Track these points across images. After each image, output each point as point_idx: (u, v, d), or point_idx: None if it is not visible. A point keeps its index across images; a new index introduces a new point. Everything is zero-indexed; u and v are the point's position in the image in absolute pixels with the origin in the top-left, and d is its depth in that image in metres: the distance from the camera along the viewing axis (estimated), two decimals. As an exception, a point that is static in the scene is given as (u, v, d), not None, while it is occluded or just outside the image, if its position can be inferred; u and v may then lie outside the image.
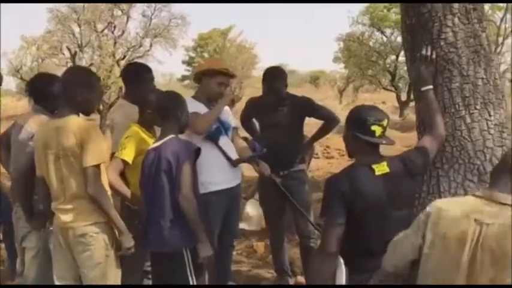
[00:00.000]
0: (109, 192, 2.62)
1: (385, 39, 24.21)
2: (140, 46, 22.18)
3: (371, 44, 24.60)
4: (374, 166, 2.20)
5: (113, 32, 21.22)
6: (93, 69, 17.76)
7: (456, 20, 2.52)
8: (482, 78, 2.50)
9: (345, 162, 11.30)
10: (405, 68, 24.55)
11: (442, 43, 2.53)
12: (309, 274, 2.31)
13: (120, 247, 2.58)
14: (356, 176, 2.19)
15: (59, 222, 2.54)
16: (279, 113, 3.61)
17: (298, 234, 3.83)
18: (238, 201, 3.57)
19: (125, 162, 2.85)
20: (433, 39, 2.54)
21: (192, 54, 33.33)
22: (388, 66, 24.46)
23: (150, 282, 3.25)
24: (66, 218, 2.51)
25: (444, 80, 2.53)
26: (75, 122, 2.50)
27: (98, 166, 2.48)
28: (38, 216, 2.83)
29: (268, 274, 4.26)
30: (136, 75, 3.33)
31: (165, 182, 2.60)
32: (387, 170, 2.21)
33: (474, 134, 2.46)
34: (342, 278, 2.15)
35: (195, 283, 2.66)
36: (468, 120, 2.47)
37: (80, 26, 19.69)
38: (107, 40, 20.85)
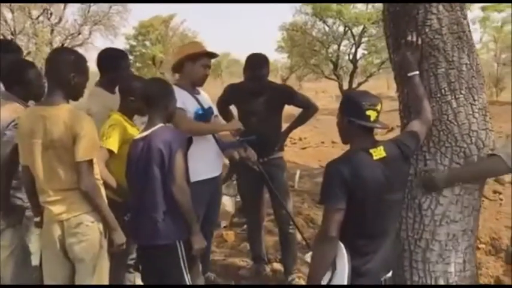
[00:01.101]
0: (100, 182, 2.50)
1: (327, 28, 24.67)
2: (79, 34, 21.40)
3: (314, 33, 24.99)
4: (371, 151, 2.23)
5: (49, 19, 20.28)
6: (30, 58, 16.86)
7: (440, 7, 2.59)
8: (466, 64, 2.59)
9: (297, 150, 11.51)
10: (346, 57, 25.35)
11: (427, 30, 2.59)
12: (311, 260, 2.28)
13: (112, 243, 2.47)
14: (355, 161, 2.21)
15: (51, 215, 2.39)
16: (259, 101, 3.58)
17: (277, 221, 3.84)
18: (220, 191, 3.52)
19: (110, 151, 2.72)
20: (418, 26, 2.60)
21: (133, 43, 32.37)
22: (330, 55, 24.96)
23: (132, 276, 3.15)
24: (58, 209, 2.37)
25: (430, 65, 2.60)
26: (66, 111, 2.34)
27: (90, 160, 2.36)
28: (13, 211, 2.66)
29: (242, 262, 4.24)
30: (113, 62, 3.17)
31: (157, 173, 2.50)
32: (384, 154, 2.24)
33: (460, 118, 2.55)
34: (343, 263, 2.17)
35: (188, 276, 2.60)
36: (454, 104, 2.56)
37: (12, 12, 18.60)
38: (42, 27, 19.90)
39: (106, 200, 2.46)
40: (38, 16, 19.65)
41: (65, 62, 2.38)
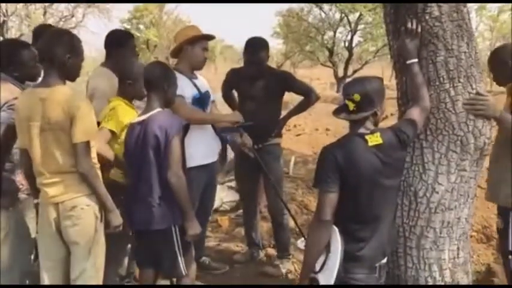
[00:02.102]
0: (97, 166, 2.48)
1: (323, 15, 24.55)
2: (72, 16, 21.18)
3: (310, 19, 24.87)
4: (367, 137, 2.23)
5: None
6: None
7: (441, -6, 2.57)
8: (465, 52, 2.57)
9: (292, 136, 11.46)
10: (342, 44, 25.25)
11: (427, 17, 2.57)
12: (305, 244, 2.30)
13: (108, 225, 2.47)
14: (349, 147, 2.22)
15: (47, 198, 2.38)
16: (258, 85, 3.56)
17: (270, 209, 3.85)
18: (216, 177, 3.51)
19: (112, 132, 2.73)
20: (418, 13, 2.58)
21: (128, 26, 32.05)
22: (326, 42, 24.86)
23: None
24: (54, 191, 2.36)
25: (429, 53, 2.58)
26: (63, 92, 2.32)
27: (88, 142, 2.34)
28: (7, 194, 2.63)
29: (237, 247, 4.28)
30: (119, 43, 3.16)
31: (152, 158, 2.50)
32: (380, 141, 2.24)
33: (458, 107, 2.55)
34: (337, 245, 2.18)
35: (183, 261, 2.60)
36: (452, 93, 2.55)
37: (4, -7, 18.28)
38: (35, 9, 19.66)
39: (102, 182, 2.45)
40: (31, -3, 19.34)
41: (60, 44, 2.35)
